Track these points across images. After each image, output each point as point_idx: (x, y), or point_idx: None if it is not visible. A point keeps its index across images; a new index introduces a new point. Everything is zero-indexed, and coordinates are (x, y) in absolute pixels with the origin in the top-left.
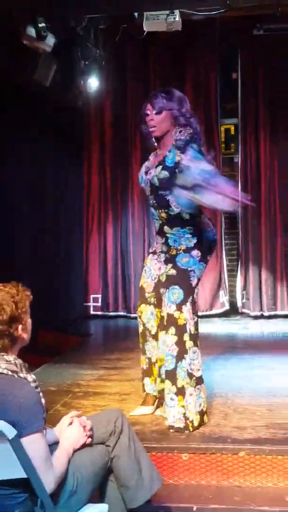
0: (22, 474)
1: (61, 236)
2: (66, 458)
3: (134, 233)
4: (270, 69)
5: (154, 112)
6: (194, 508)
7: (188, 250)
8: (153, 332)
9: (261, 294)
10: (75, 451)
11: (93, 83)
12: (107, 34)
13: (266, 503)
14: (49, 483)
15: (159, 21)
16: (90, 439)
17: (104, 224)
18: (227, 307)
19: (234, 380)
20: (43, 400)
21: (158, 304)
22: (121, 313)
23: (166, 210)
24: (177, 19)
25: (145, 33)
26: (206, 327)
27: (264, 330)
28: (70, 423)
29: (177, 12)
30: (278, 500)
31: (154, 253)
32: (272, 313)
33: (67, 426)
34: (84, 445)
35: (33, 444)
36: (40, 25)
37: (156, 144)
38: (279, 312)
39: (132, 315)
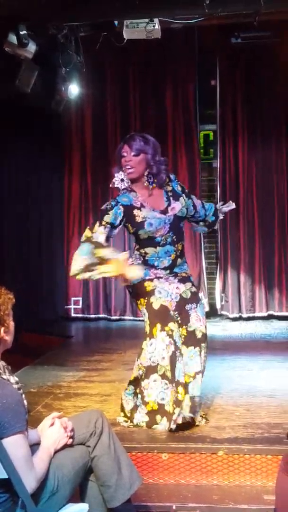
0: (3, 475)
1: (43, 239)
2: (47, 458)
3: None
4: (248, 76)
5: (132, 154)
6: (174, 507)
7: (190, 274)
8: (179, 348)
9: (239, 296)
10: (56, 451)
11: (73, 89)
12: (87, 41)
13: (244, 501)
14: (30, 483)
15: (138, 29)
16: (71, 440)
17: (84, 228)
18: (206, 309)
19: (213, 380)
20: (25, 402)
21: (181, 322)
22: (102, 315)
23: (182, 242)
24: (156, 27)
25: (125, 41)
26: None
27: (242, 332)
28: (52, 424)
29: (156, 20)
30: (256, 498)
31: (158, 278)
32: (251, 315)
33: (48, 427)
34: (65, 446)
35: (15, 444)
36: (21, 32)
37: (129, 183)
38: (257, 314)
39: (113, 317)
